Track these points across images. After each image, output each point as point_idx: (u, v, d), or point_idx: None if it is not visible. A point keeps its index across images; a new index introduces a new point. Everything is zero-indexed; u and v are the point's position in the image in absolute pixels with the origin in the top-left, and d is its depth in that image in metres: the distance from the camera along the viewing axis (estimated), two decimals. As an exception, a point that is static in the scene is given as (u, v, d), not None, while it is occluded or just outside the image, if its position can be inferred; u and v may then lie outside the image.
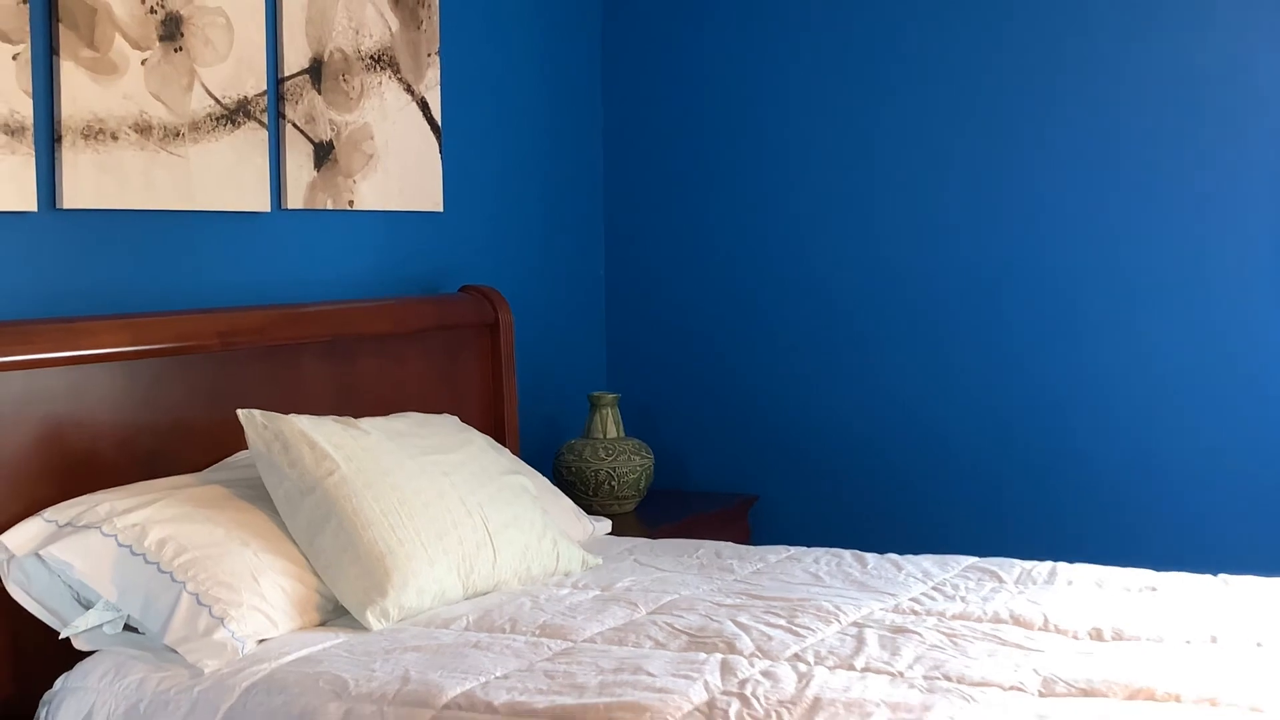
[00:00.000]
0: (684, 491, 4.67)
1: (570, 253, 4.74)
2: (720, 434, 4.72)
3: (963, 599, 2.69)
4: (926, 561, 3.08)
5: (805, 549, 3.35)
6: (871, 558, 3.17)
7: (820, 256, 4.61)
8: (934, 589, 2.80)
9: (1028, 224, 4.24)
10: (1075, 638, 2.45)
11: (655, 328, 4.87)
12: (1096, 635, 2.45)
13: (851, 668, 2.27)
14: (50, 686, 2.42)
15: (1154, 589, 2.78)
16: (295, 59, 3.28)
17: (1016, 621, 2.53)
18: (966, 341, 4.33)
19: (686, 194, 4.82)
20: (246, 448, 2.74)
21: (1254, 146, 3.94)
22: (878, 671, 2.24)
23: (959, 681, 2.17)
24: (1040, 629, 2.49)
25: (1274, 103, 3.94)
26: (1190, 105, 4.01)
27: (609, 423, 4.22)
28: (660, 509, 4.32)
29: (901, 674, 2.22)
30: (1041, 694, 2.12)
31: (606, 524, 3.64)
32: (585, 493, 4.10)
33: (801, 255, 4.67)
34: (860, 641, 2.40)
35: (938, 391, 4.39)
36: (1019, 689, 2.13)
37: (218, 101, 3.02)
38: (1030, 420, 4.25)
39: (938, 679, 2.19)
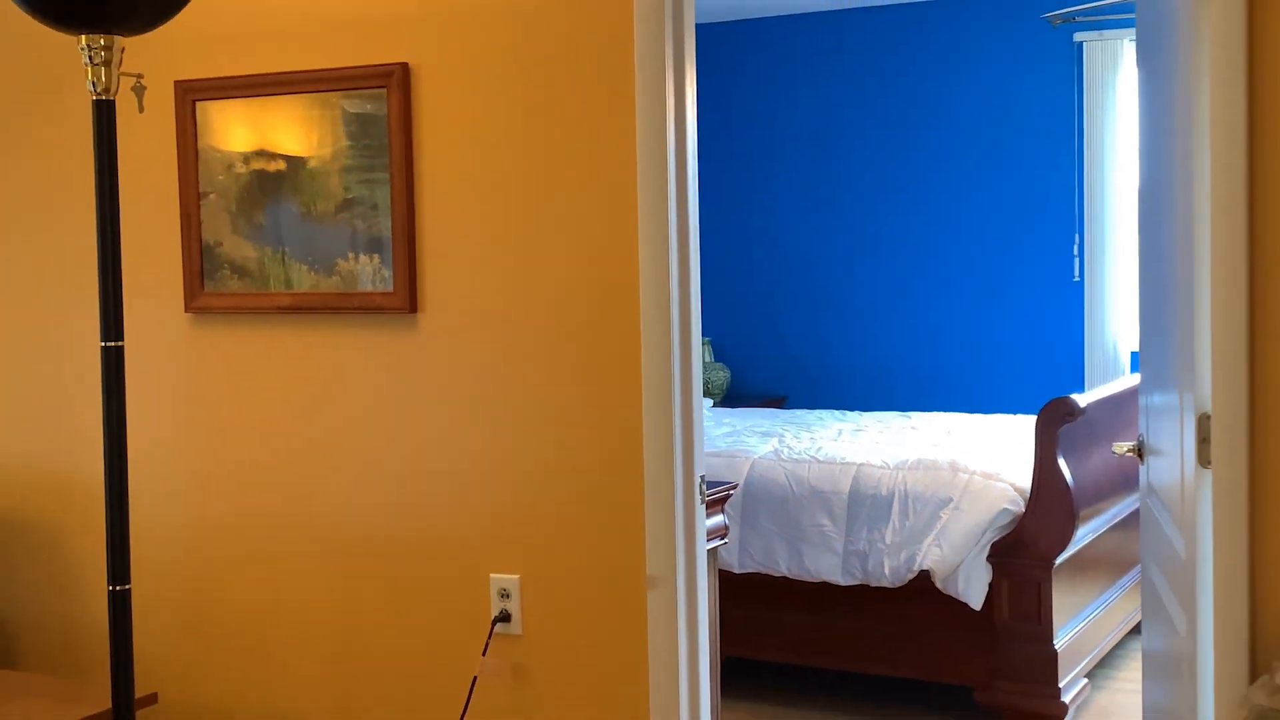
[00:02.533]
0: (744, 393, 7.39)
1: None
2: (764, 358, 7.38)
3: (870, 427, 5.64)
4: (866, 415, 6.00)
5: (811, 411, 6.24)
6: (846, 413, 6.08)
7: (823, 240, 7.19)
8: (857, 426, 5.73)
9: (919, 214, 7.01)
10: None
11: (731, 296, 7.37)
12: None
13: (833, 442, 5.15)
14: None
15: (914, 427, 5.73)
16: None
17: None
18: (894, 275, 7.06)
19: (752, 196, 7.28)
20: None
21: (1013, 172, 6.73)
22: (848, 440, 5.14)
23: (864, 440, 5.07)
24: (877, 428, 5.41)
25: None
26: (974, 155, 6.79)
27: (705, 350, 7.10)
28: (732, 401, 7.11)
29: (847, 443, 5.12)
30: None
31: (709, 402, 6.54)
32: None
33: (808, 238, 7.18)
34: (837, 434, 5.31)
35: (889, 291, 7.07)
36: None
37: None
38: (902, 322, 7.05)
39: (857, 441, 5.08)
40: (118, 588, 2.74)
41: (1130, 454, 3.26)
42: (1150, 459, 3.12)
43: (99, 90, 2.65)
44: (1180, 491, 2.76)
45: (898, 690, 4.91)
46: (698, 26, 6.60)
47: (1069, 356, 6.63)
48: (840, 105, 7.10)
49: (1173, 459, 2.79)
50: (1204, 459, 2.50)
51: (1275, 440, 2.48)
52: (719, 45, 7.26)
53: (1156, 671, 3.18)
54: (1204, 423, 2.49)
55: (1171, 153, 2.76)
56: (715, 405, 6.80)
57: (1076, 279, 6.60)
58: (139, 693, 2.95)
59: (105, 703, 3.05)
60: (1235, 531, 2.47)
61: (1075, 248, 6.60)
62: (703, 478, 3.14)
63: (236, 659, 3.60)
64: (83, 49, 2.65)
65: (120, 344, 2.73)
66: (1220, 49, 2.46)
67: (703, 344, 6.92)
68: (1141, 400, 3.31)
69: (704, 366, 6.99)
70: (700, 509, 3.12)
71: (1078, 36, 6.47)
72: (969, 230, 6.86)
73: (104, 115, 2.66)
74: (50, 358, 3.81)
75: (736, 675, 4.88)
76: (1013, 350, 6.79)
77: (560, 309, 3.17)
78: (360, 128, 3.30)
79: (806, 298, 7.27)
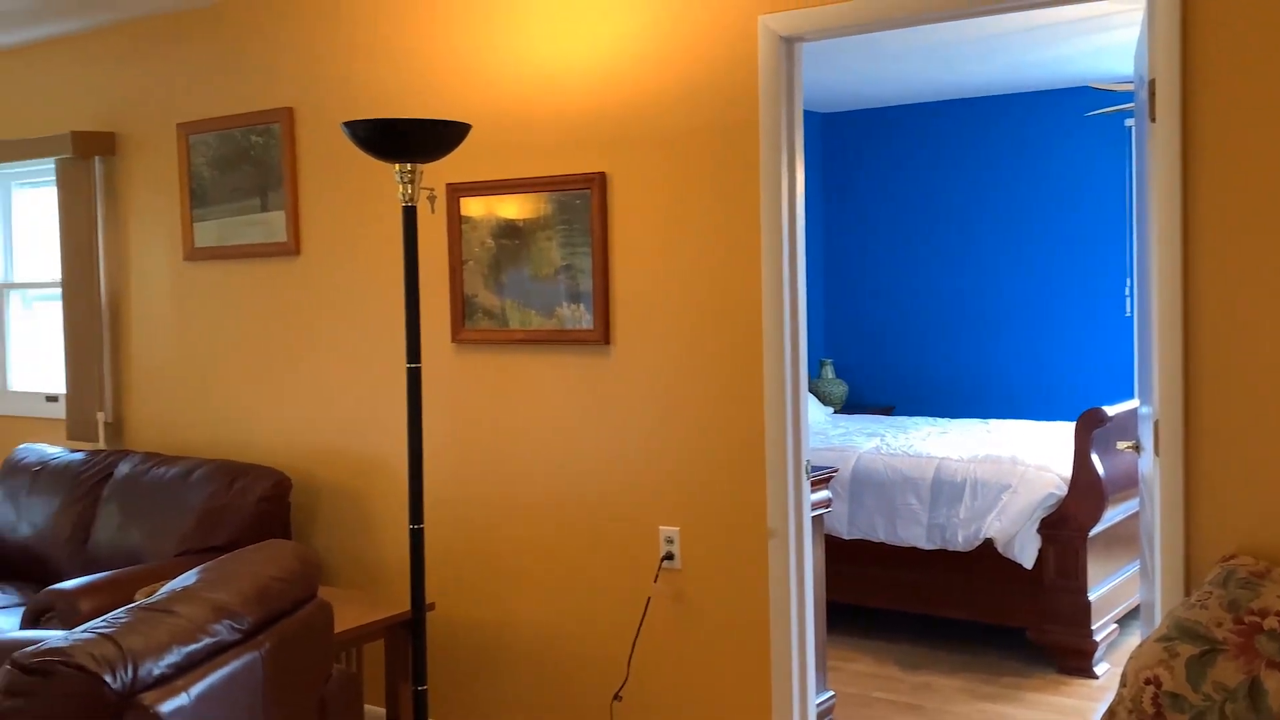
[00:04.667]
0: (859, 404, 7.61)
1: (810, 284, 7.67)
2: (875, 376, 7.53)
3: (954, 431, 6.00)
4: (953, 421, 6.35)
5: (909, 417, 6.51)
6: (937, 419, 6.35)
7: (923, 283, 7.30)
8: (944, 429, 6.08)
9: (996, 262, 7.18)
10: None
11: (851, 326, 7.69)
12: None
13: (923, 441, 5.51)
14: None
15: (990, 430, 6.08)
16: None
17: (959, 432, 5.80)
18: (973, 309, 7.28)
19: (868, 249, 7.46)
20: None
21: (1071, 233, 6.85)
22: (935, 440, 5.51)
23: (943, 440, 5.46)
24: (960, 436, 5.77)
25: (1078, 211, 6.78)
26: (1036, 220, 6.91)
27: (828, 368, 7.48)
28: (849, 409, 7.39)
29: (933, 442, 5.48)
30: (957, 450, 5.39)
31: (830, 409, 6.93)
32: (822, 400, 7.19)
33: (911, 281, 7.30)
34: (926, 435, 5.68)
35: (975, 323, 7.22)
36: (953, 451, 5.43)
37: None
38: (991, 350, 7.18)
39: (942, 440, 5.45)
40: (415, 526, 3.21)
41: (1130, 449, 3.57)
42: (1142, 453, 3.39)
43: (406, 199, 3.15)
44: (1147, 474, 3.20)
45: (967, 630, 5.17)
46: (828, 114, 7.06)
47: (1121, 376, 6.69)
48: (938, 173, 7.22)
49: (1147, 452, 3.15)
50: (1156, 450, 2.88)
51: (1202, 439, 2.78)
52: (844, 127, 7.55)
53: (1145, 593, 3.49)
54: (1156, 425, 2.87)
55: (1146, 221, 3.08)
56: (835, 413, 7.00)
57: (1128, 314, 6.66)
58: (423, 600, 3.33)
59: (401, 608, 3.53)
60: (1175, 501, 2.82)
61: (1127, 289, 6.65)
62: (808, 461, 3.38)
63: (485, 581, 3.87)
64: (396, 173, 3.17)
65: (418, 365, 3.18)
66: (1161, 154, 2.79)
67: (827, 363, 7.37)
68: (1139, 410, 3.70)
69: (827, 382, 7.26)
70: (806, 483, 3.35)
71: (1127, 122, 6.56)
72: (1040, 275, 6.93)
73: (410, 216, 3.17)
74: (359, 378, 4.16)
75: (845, 617, 5.25)
76: (1073, 370, 6.85)
77: (706, 339, 3.40)
78: (570, 215, 3.58)
79: (909, 328, 7.42)
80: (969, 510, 4.87)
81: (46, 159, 4.95)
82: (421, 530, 3.23)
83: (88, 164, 4.84)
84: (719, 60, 3.35)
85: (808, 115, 7.48)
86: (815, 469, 3.72)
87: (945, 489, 4.95)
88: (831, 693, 4.07)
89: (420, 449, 3.22)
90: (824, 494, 4.01)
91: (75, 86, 4.96)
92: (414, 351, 3.19)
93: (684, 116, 3.42)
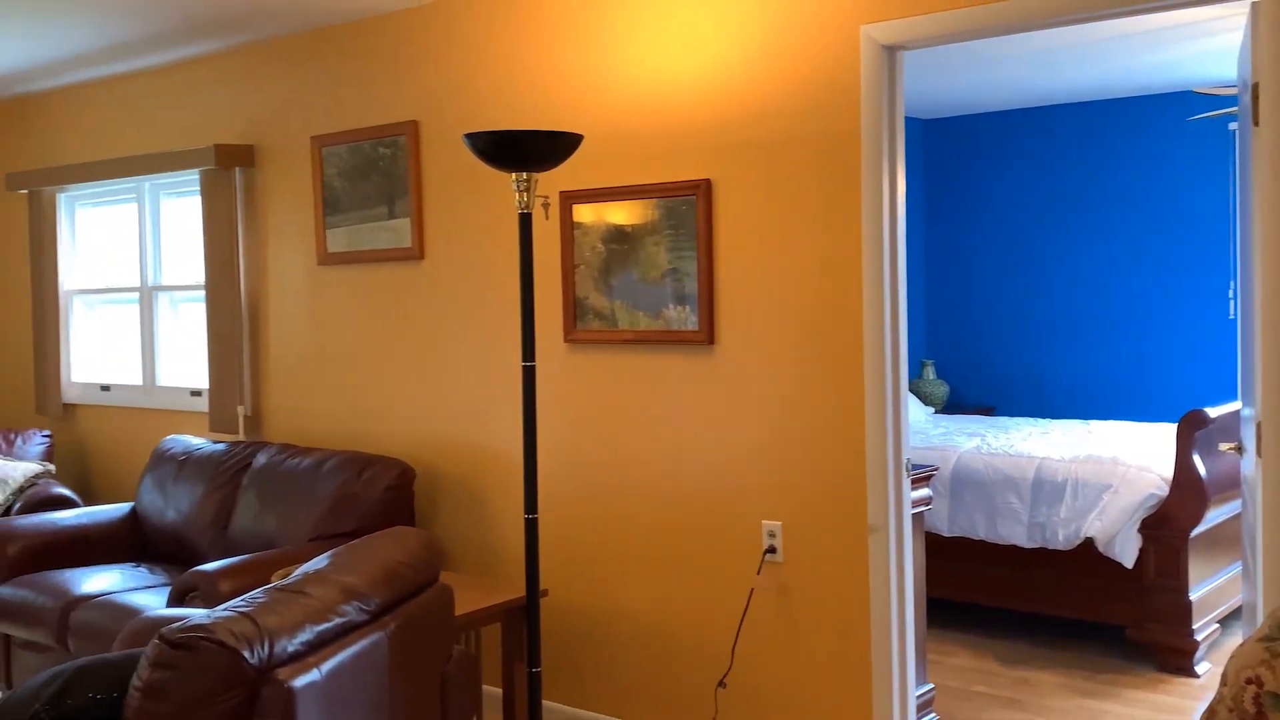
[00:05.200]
0: (960, 404, 7.45)
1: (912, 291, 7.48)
2: (976, 377, 7.38)
3: (1055, 431, 5.86)
4: (1054, 422, 6.20)
5: (1010, 418, 6.37)
6: (1038, 420, 6.22)
7: (1024, 286, 7.14)
8: (1045, 430, 5.94)
9: (1103, 265, 6.95)
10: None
11: (953, 328, 7.57)
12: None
13: (1024, 441, 5.40)
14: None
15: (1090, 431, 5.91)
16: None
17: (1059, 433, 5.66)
18: (1087, 306, 7.06)
19: (971, 253, 7.33)
20: None
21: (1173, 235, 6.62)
22: (1035, 440, 5.39)
23: (1048, 441, 5.32)
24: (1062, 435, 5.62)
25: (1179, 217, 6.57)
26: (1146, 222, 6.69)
27: (929, 369, 7.37)
28: (950, 409, 7.24)
29: (1034, 442, 5.37)
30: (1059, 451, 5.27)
31: (931, 409, 6.83)
32: (923, 400, 7.09)
33: (1012, 284, 7.16)
34: (1027, 436, 5.57)
35: (1076, 325, 7.01)
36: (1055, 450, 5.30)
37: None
38: (1093, 345, 6.97)
39: (1042, 440, 5.33)
40: (529, 516, 3.25)
41: (1232, 451, 3.47)
42: (1244, 455, 3.30)
43: (522, 207, 3.19)
44: (1249, 476, 3.10)
45: (1066, 627, 5.06)
46: (930, 120, 6.90)
47: (1223, 378, 6.50)
48: (1040, 177, 7.06)
49: (1249, 453, 3.06)
50: (1258, 452, 2.79)
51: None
52: (946, 133, 7.43)
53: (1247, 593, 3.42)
54: (1258, 427, 2.79)
55: (1249, 224, 3.00)
56: (935, 413, 6.88)
57: (1231, 317, 6.46)
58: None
59: (516, 593, 3.58)
60: (1277, 503, 2.73)
61: (1230, 291, 6.45)
62: (909, 460, 3.35)
63: (596, 570, 3.90)
64: (513, 182, 3.22)
65: (533, 364, 3.23)
66: (1264, 157, 2.70)
67: (928, 364, 7.25)
68: (1241, 412, 3.58)
69: (928, 383, 7.14)
70: (906, 481, 3.32)
71: (1231, 126, 6.36)
72: (1143, 277, 6.75)
73: (525, 223, 3.21)
74: (478, 375, 4.20)
75: (945, 613, 5.17)
76: (1175, 372, 6.67)
77: (807, 340, 3.39)
78: (677, 221, 3.60)
79: (1011, 329, 7.27)
80: (1069, 510, 4.76)
81: (191, 170, 5.12)
82: (535, 520, 3.27)
83: (229, 175, 4.99)
84: (821, 70, 3.33)
85: (909, 122, 7.38)
86: (916, 467, 3.67)
87: (1046, 488, 4.85)
88: (931, 685, 4.01)
89: (534, 443, 3.26)
90: (924, 492, 3.96)
91: (218, 102, 5.13)
92: (529, 350, 3.24)
93: (787, 125, 3.41)
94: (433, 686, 2.75)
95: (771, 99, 3.43)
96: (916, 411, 6.47)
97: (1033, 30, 3.15)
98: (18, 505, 5.12)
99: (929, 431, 5.81)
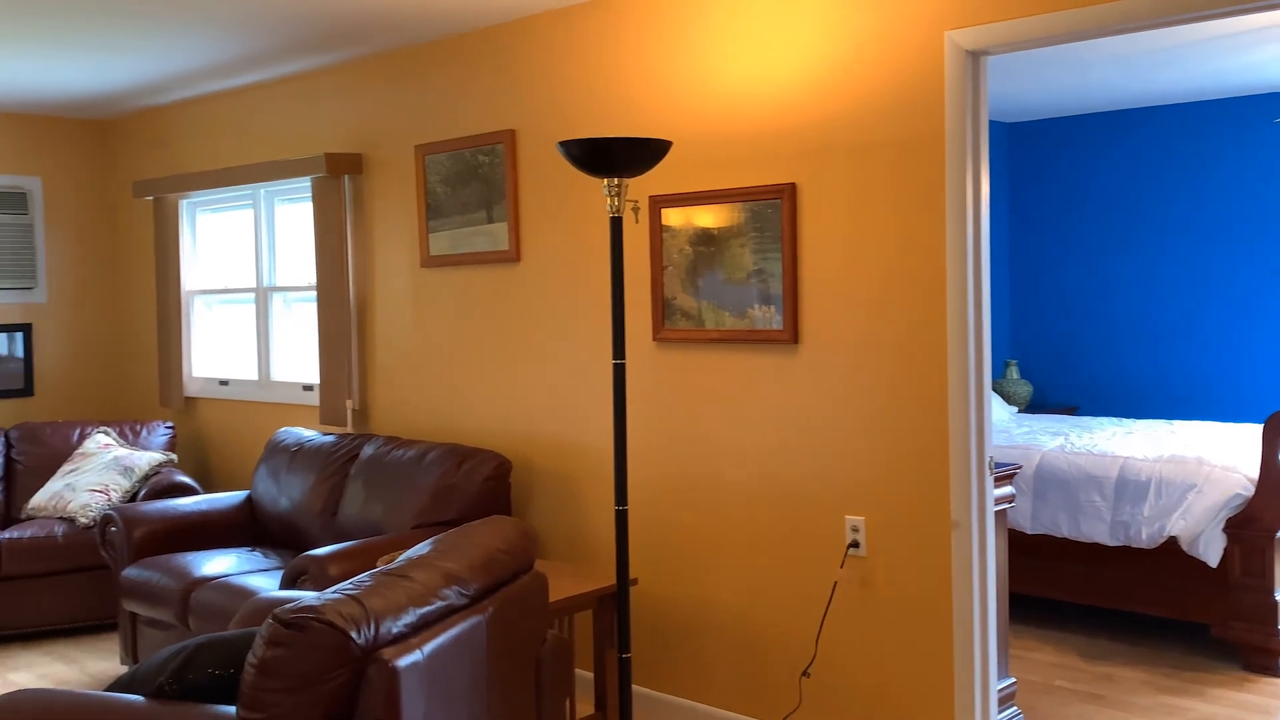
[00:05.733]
0: (1044, 404, 7.27)
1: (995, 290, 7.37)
2: (1060, 377, 7.19)
3: (1138, 431, 5.70)
4: (1138, 422, 6.03)
5: (1093, 417, 6.25)
6: (1122, 420, 6.05)
7: (1109, 287, 6.93)
8: (1128, 429, 5.78)
9: (1191, 266, 6.76)
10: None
11: (1037, 328, 7.38)
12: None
13: (1107, 441, 5.27)
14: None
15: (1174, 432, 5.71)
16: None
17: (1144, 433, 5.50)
18: (1174, 307, 6.85)
19: (1055, 254, 7.13)
20: None
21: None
22: (1119, 439, 5.25)
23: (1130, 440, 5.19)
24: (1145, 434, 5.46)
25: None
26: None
27: (1013, 369, 7.23)
28: (1033, 409, 7.09)
29: (1118, 441, 5.23)
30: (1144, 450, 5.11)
31: (1014, 409, 6.70)
32: (1006, 399, 6.94)
33: (1097, 285, 6.97)
34: (1111, 435, 5.43)
35: (1161, 325, 6.79)
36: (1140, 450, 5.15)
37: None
38: (1185, 345, 6.74)
39: (1126, 440, 5.18)
40: (620, 508, 3.26)
41: None
42: None
43: (613, 211, 3.20)
44: None
45: (1149, 624, 4.95)
46: (1014, 124, 6.69)
47: None
48: (1125, 179, 6.89)
49: None
50: None
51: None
52: (1031, 136, 7.26)
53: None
54: None
55: None
56: (1019, 412, 6.74)
57: None
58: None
59: (607, 581, 3.60)
60: None
61: None
62: (991, 458, 3.27)
63: (684, 560, 3.89)
64: (604, 187, 3.22)
65: (623, 361, 3.24)
66: None
67: (1012, 364, 7.10)
68: None
69: (1011, 382, 7.00)
70: (989, 478, 3.25)
71: None
72: (1228, 278, 6.55)
73: (616, 226, 3.22)
74: (570, 371, 4.22)
75: (1027, 608, 5.09)
76: (1259, 373, 6.46)
77: (890, 339, 3.34)
78: (762, 223, 3.56)
79: (1095, 330, 7.10)
80: (1153, 508, 4.64)
81: (304, 178, 5.24)
82: (625, 511, 3.28)
83: (338, 182, 5.09)
84: (905, 75, 3.29)
85: (994, 125, 7.25)
86: (999, 465, 3.61)
87: (1129, 487, 4.73)
88: (1013, 679, 3.94)
89: (624, 437, 3.26)
90: (1007, 489, 3.89)
91: (328, 114, 5.24)
92: (619, 349, 3.25)
93: (871, 129, 3.37)
94: (528, 669, 2.78)
95: (856, 104, 3.40)
96: (1000, 411, 6.34)
97: (1118, 34, 3.07)
98: (143, 492, 5.30)
99: (1012, 430, 5.69)
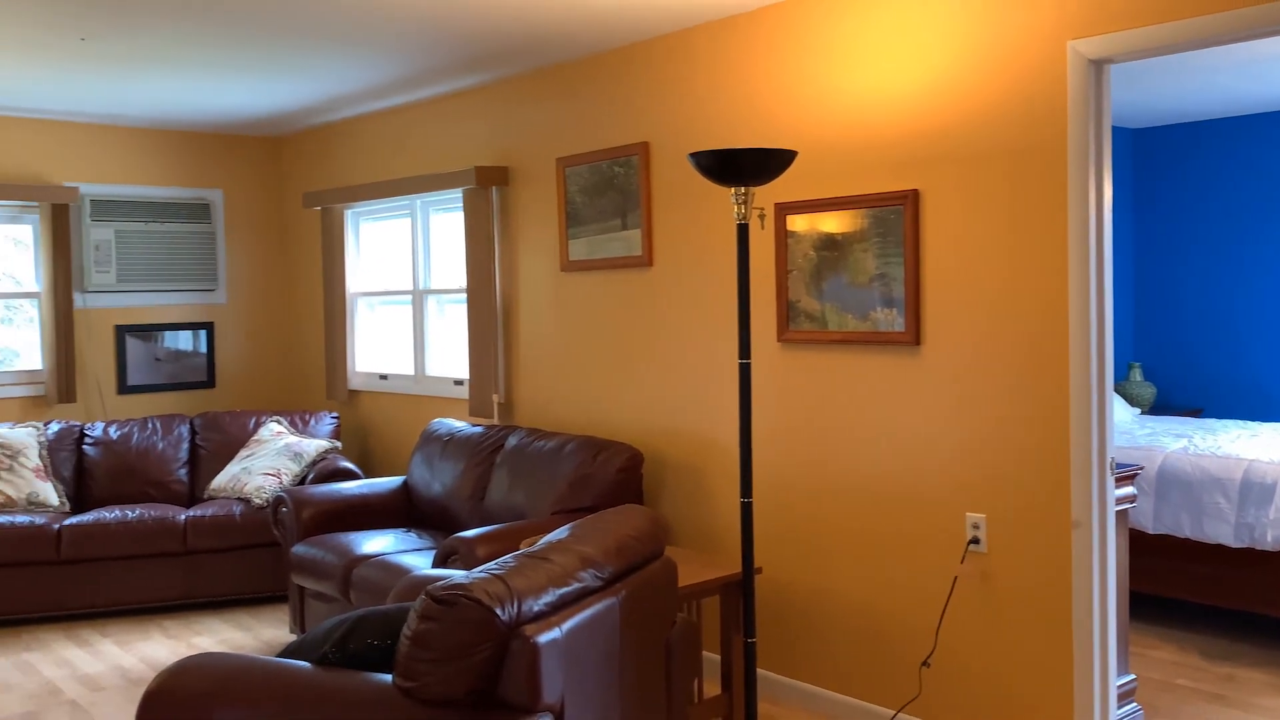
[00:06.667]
0: (1167, 406, 6.97)
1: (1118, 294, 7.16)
2: (1184, 379, 6.88)
3: (1263, 434, 5.39)
4: (1263, 425, 5.69)
5: (1218, 420, 5.93)
6: (1248, 422, 5.73)
7: (1233, 290, 6.60)
8: (1253, 432, 5.46)
9: None
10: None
11: (1161, 331, 7.11)
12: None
13: (1231, 443, 4.99)
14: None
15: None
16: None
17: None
18: None
19: (1179, 258, 6.82)
20: None
21: None
22: (1244, 442, 4.97)
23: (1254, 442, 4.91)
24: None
25: None
26: None
27: (1136, 371, 6.93)
28: (1157, 411, 6.79)
29: (1242, 443, 4.95)
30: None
31: (1137, 410, 6.43)
32: (1129, 401, 6.68)
33: (1221, 288, 6.63)
34: (1235, 438, 5.13)
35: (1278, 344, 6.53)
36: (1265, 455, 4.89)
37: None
38: None
39: (1251, 442, 4.90)
40: (745, 500, 3.24)
41: None
42: None
43: (739, 218, 3.18)
44: None
45: (1274, 627, 4.73)
46: (1138, 129, 6.39)
47: None
48: (1250, 184, 6.54)
49: None
50: None
51: None
52: (1155, 142, 6.97)
53: None
54: None
55: None
56: (1142, 414, 6.47)
57: None
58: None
59: (733, 569, 3.57)
60: None
61: None
62: (1113, 458, 3.17)
63: (807, 551, 3.85)
64: (732, 195, 3.28)
65: (749, 361, 3.22)
66: None
67: (1135, 366, 6.82)
68: None
69: (1134, 384, 6.72)
70: (1110, 479, 3.14)
71: None
72: None
73: (743, 232, 3.20)
74: (698, 370, 4.22)
75: (1149, 607, 4.91)
76: None
77: (1010, 341, 3.25)
78: (885, 229, 3.51)
79: (1219, 333, 6.77)
80: (1279, 511, 4.38)
81: (455, 189, 5.35)
82: (750, 504, 3.26)
83: (487, 193, 5.19)
84: (1027, 83, 3.20)
85: (1118, 131, 6.97)
86: (1120, 466, 3.51)
87: (1254, 490, 4.49)
88: (1133, 676, 3.79)
89: (750, 432, 3.25)
90: (1129, 490, 3.74)
91: (477, 130, 5.34)
92: (745, 349, 3.23)
93: (993, 136, 3.29)
94: (658, 650, 2.79)
95: (977, 112, 3.33)
96: (1122, 412, 6.10)
97: (1243, 41, 2.92)
98: (310, 476, 5.49)
99: (1135, 432, 5.46)
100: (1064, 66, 3.11)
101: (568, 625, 2.32)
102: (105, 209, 6.21)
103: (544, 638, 2.23)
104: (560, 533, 2.68)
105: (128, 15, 3.93)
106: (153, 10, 3.87)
